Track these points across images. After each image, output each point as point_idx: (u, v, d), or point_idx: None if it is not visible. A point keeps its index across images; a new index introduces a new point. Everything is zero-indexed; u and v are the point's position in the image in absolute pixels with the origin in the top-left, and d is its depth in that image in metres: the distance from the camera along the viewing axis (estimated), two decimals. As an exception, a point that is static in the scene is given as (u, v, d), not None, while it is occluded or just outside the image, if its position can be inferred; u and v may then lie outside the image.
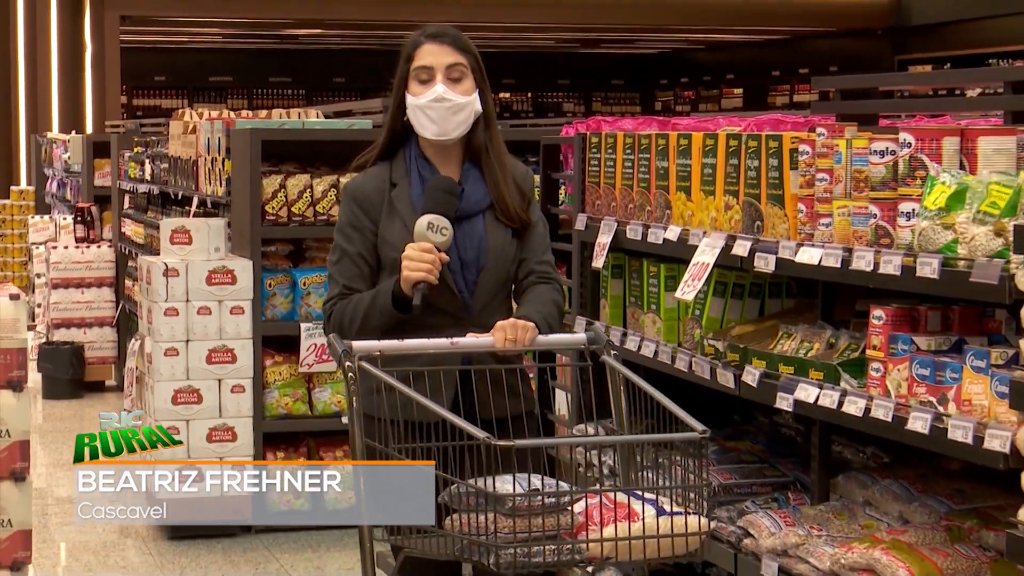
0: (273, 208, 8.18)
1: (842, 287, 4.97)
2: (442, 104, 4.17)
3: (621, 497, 3.60)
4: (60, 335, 12.53)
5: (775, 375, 4.85)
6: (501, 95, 28.57)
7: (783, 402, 4.75)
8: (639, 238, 5.56)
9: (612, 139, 5.94)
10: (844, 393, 4.52)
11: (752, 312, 5.52)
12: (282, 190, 8.19)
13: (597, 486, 3.85)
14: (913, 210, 4.28)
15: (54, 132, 18.89)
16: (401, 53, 4.34)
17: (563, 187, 6.44)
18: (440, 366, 4.01)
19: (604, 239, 5.75)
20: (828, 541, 4.47)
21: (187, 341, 8.01)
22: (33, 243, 15.03)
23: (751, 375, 4.93)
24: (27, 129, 20.52)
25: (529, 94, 28.63)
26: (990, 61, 17.57)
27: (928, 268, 4.11)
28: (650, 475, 3.92)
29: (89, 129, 18.93)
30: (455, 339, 4.00)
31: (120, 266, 12.63)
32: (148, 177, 11.85)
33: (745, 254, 4.97)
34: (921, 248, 4.17)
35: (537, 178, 7.39)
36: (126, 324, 12.15)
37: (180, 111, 11.49)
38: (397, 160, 4.31)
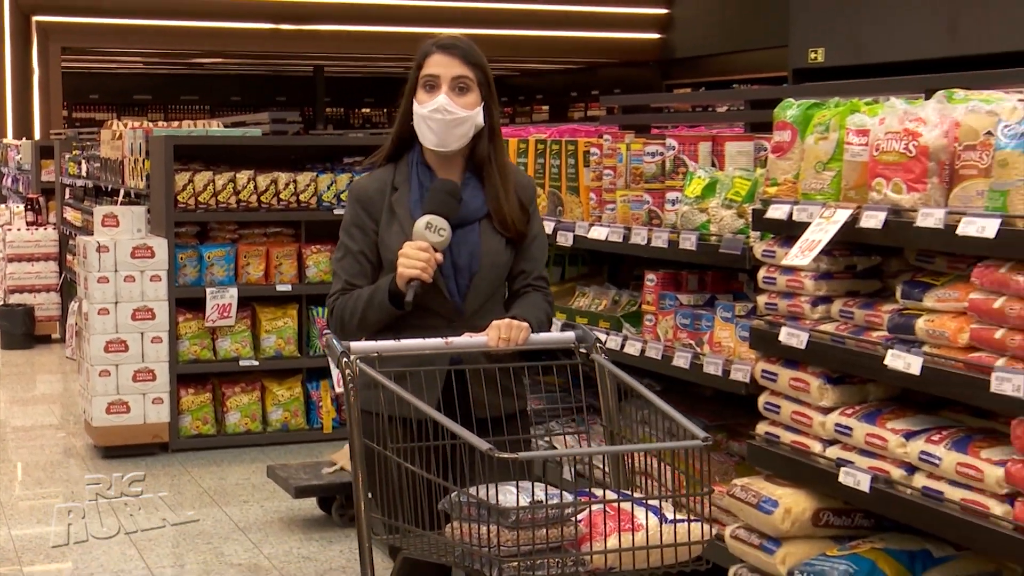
0: (183, 198, 8.10)
1: (624, 257, 5.01)
2: (443, 115, 3.38)
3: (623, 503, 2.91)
4: (15, 299, 12.42)
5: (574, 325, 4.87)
6: (363, 111, 28.42)
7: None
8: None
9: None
10: (625, 338, 4.55)
11: (555, 277, 5.52)
12: (190, 184, 8.11)
13: (600, 493, 2.96)
14: (677, 198, 4.31)
15: (9, 138, 18.49)
16: (414, 61, 3.53)
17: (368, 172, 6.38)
18: (428, 365, 3.31)
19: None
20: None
21: (116, 303, 7.91)
22: (-8, 226, 14.73)
23: (555, 325, 4.94)
24: (-13, 136, 20.07)
25: (384, 109, 28.43)
26: (735, 85, 17.80)
27: (688, 242, 4.14)
28: (649, 480, 3.31)
29: (37, 136, 18.57)
30: (450, 339, 3.30)
31: (62, 244, 12.51)
32: (84, 174, 11.74)
33: (550, 231, 4.97)
34: (683, 227, 4.21)
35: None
36: (68, 290, 11.97)
37: (109, 122, 11.29)
38: (401, 164, 3.56)
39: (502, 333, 3.29)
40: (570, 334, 3.44)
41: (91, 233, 8.72)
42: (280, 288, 8.29)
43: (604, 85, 21.38)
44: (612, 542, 2.81)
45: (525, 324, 3.34)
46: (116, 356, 7.92)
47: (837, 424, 3.43)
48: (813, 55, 13.35)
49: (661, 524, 2.83)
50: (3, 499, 7.15)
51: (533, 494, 2.82)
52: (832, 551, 3.39)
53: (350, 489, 6.59)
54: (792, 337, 3.53)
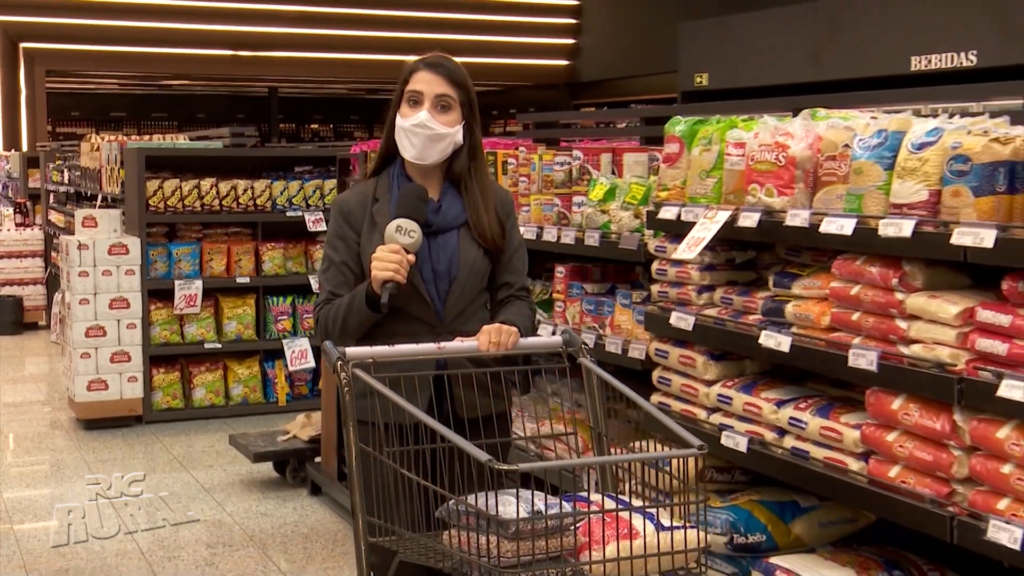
0: (154, 202, 8.02)
1: (537, 252, 4.99)
2: (424, 130, 3.06)
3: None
4: (5, 291, 12.24)
5: (494, 311, 4.85)
6: (312, 126, 28.21)
7: (499, 328, 4.75)
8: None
9: (385, 155, 5.86)
10: (539, 322, 4.54)
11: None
12: (160, 189, 8.05)
13: (595, 498, 2.57)
14: (582, 201, 4.31)
15: (0, 150, 18.23)
16: (400, 77, 3.18)
17: (352, 185, 6.34)
18: (415, 371, 2.92)
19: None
20: (529, 419, 4.48)
21: (95, 294, 7.82)
22: (-15, 227, 14.56)
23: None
24: (-20, 148, 19.75)
25: (331, 125, 28.26)
26: (632, 104, 17.89)
27: (592, 239, 4.14)
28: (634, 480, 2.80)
29: (24, 148, 18.30)
30: (442, 343, 2.94)
31: (47, 242, 12.38)
32: (66, 181, 11.61)
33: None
34: (587, 226, 4.21)
35: (333, 183, 7.38)
36: (52, 283, 11.80)
37: (89, 136, 11.13)
38: (383, 177, 3.20)
39: (492, 337, 2.94)
40: (557, 339, 3.05)
41: (73, 233, 8.60)
42: (240, 280, 8.25)
43: (520, 105, 21.37)
44: (611, 550, 2.43)
45: (514, 329, 2.98)
46: (96, 340, 7.83)
47: (719, 394, 3.45)
48: (699, 79, 13.45)
49: (658, 532, 2.46)
50: (-5, 466, 7.04)
51: (533, 504, 2.42)
52: (715, 503, 3.41)
53: (302, 455, 6.58)
54: (681, 320, 3.54)
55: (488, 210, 3.16)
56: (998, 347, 2.58)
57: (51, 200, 12.71)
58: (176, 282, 8.01)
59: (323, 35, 20.03)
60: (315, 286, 8.26)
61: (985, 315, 2.62)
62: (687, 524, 2.50)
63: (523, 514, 2.38)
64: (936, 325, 2.74)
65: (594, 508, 2.51)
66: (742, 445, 3.29)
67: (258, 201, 8.29)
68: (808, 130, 3.20)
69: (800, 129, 3.21)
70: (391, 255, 2.95)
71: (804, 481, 3.15)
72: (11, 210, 13.81)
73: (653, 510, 2.53)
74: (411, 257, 2.98)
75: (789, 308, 3.20)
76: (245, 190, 8.26)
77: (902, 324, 2.82)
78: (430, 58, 3.17)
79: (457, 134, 3.12)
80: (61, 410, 8.47)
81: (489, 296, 3.26)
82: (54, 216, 12.05)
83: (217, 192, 8.19)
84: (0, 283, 12.35)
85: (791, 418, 3.17)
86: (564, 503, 2.52)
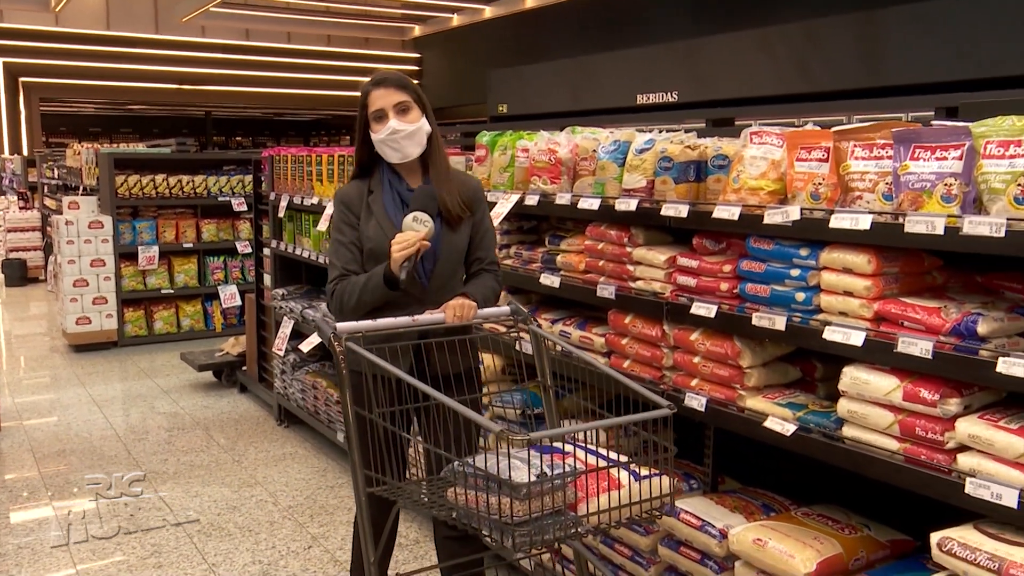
0: (121, 191, 7.60)
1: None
2: (397, 134, 2.52)
3: (595, 461, 2.06)
4: (13, 255, 11.53)
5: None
6: (236, 139, 27.13)
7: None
8: (299, 202, 5.31)
9: (286, 157, 5.65)
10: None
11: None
12: (125, 182, 7.62)
13: (569, 449, 2.10)
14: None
15: (6, 154, 17.14)
16: (359, 100, 2.61)
17: (264, 181, 6.09)
18: (398, 341, 2.42)
19: (283, 203, 5.48)
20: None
21: (79, 256, 7.38)
22: (-4, 210, 13.67)
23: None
24: (-9, 153, 18.56)
25: (250, 138, 27.23)
26: (456, 124, 17.82)
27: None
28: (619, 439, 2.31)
29: (25, 152, 17.29)
30: (415, 316, 2.42)
31: (43, 220, 11.65)
32: (56, 176, 10.95)
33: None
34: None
35: (250, 178, 7.09)
36: (48, 249, 11.12)
37: (72, 144, 10.45)
38: (374, 175, 2.62)
39: (456, 312, 2.46)
40: (507, 309, 2.56)
41: (62, 213, 8.09)
42: (185, 245, 7.90)
43: (382, 124, 21.08)
44: (603, 501, 1.98)
45: (473, 303, 2.49)
46: (80, 289, 7.39)
47: (514, 316, 3.45)
48: (501, 108, 13.43)
49: (639, 482, 2.04)
50: (9, 379, 6.60)
51: (541, 467, 1.90)
52: (511, 387, 3.42)
53: (233, 365, 6.35)
54: (488, 268, 3.53)
55: (447, 181, 2.60)
56: (690, 282, 2.64)
57: (45, 190, 11.99)
58: (139, 247, 7.63)
59: (242, 75, 19.90)
60: (240, 249, 7.96)
61: (682, 261, 2.68)
62: (661, 472, 2.05)
63: (532, 478, 1.88)
64: (651, 268, 2.79)
65: (572, 459, 2.04)
66: (527, 349, 3.30)
67: (197, 190, 7.94)
68: (569, 140, 3.20)
69: (564, 140, 3.21)
70: (406, 239, 2.43)
71: (570, 371, 3.18)
72: (15, 197, 13.08)
73: (634, 465, 2.09)
74: (426, 243, 2.46)
75: (559, 258, 3.21)
76: (188, 182, 7.90)
77: (630, 267, 2.87)
78: (376, 77, 2.60)
79: (425, 125, 2.57)
80: (57, 339, 7.98)
81: (465, 268, 2.72)
82: (48, 201, 11.39)
83: (167, 184, 7.82)
84: (9, 249, 11.68)
85: (561, 331, 3.20)
86: (546, 455, 1.99)
